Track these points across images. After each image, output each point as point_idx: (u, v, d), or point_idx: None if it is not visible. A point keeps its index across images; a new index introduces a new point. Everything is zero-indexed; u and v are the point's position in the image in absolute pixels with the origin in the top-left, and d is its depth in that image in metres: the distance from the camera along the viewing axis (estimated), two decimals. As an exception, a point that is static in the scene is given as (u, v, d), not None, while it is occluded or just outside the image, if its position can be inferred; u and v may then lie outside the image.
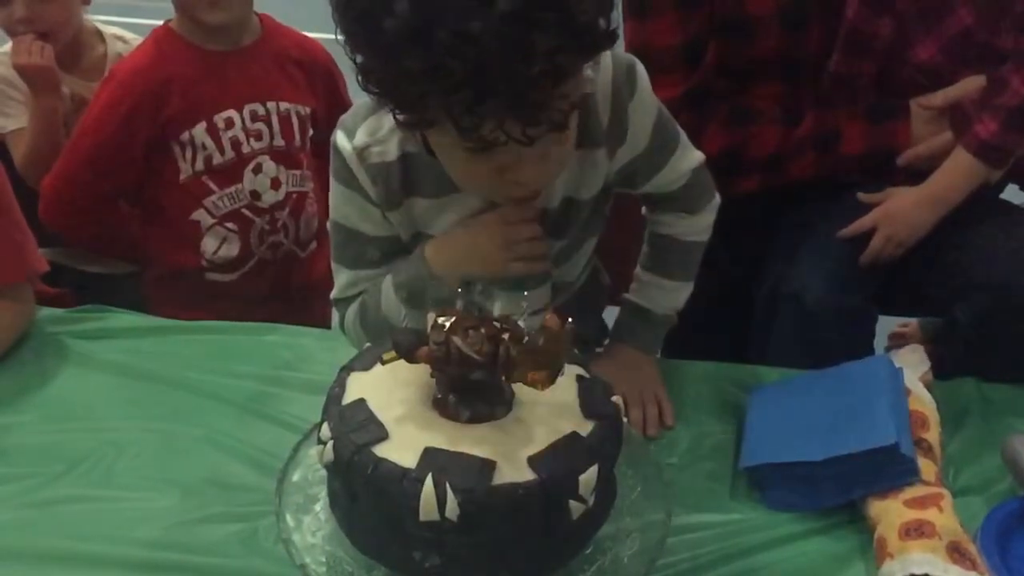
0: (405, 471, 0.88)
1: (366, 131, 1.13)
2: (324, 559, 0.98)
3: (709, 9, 1.44)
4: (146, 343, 1.44)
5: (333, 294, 1.26)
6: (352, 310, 1.24)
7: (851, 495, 1.11)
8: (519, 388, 0.95)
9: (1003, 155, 1.38)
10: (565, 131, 0.99)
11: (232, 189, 1.78)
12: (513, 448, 0.91)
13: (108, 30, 1.96)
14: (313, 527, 1.01)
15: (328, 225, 1.26)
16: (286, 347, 1.44)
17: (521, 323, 0.93)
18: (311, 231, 1.89)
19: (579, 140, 1.10)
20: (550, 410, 0.96)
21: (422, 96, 0.91)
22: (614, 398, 1.00)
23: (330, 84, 1.87)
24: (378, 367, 0.99)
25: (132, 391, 1.35)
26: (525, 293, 1.13)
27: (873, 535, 1.07)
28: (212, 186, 1.77)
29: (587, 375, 1.02)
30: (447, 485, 0.86)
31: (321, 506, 1.03)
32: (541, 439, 0.92)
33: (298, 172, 1.84)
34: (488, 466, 0.88)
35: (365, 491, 0.91)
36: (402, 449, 0.90)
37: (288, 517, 1.01)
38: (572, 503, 0.90)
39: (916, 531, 1.02)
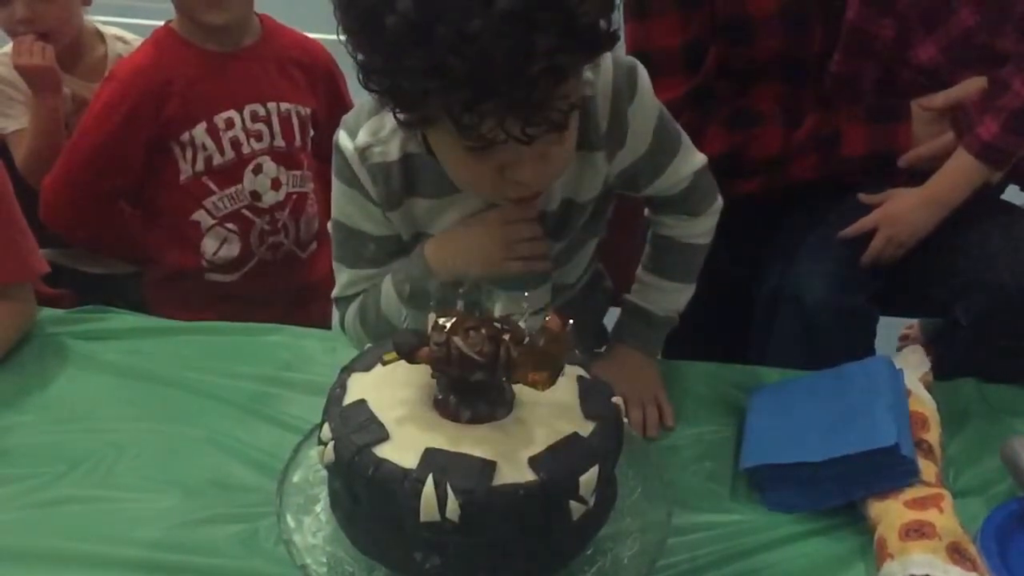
0: (406, 472, 0.88)
1: (368, 131, 1.13)
2: (325, 560, 0.98)
3: (710, 10, 1.44)
4: (147, 344, 1.44)
5: (334, 293, 1.27)
6: (352, 309, 1.24)
7: (851, 496, 1.11)
8: (520, 389, 0.95)
9: (1004, 156, 1.38)
10: (565, 131, 0.99)
11: (232, 190, 1.78)
12: (514, 449, 0.91)
13: (108, 31, 1.96)
14: (314, 528, 1.01)
15: (330, 224, 1.26)
16: (287, 348, 1.44)
17: (522, 324, 0.93)
18: (311, 232, 1.89)
19: (578, 142, 1.10)
20: (551, 411, 0.96)
21: (423, 94, 0.91)
22: (614, 399, 1.00)
23: (331, 84, 1.87)
24: (379, 368, 0.99)
25: (133, 392, 1.35)
26: (526, 294, 1.14)
27: (873, 536, 1.07)
28: (212, 187, 1.77)
29: (587, 376, 1.02)
30: (448, 486, 0.86)
31: (322, 507, 1.03)
32: (541, 440, 0.92)
33: (298, 173, 1.84)
34: (489, 467, 0.88)
35: (366, 492, 0.91)
36: (403, 450, 0.90)
37: (289, 518, 1.01)
38: (572, 504, 0.90)
39: (916, 532, 1.02)
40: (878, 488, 1.10)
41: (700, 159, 1.25)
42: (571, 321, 0.92)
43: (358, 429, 0.92)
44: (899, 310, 1.58)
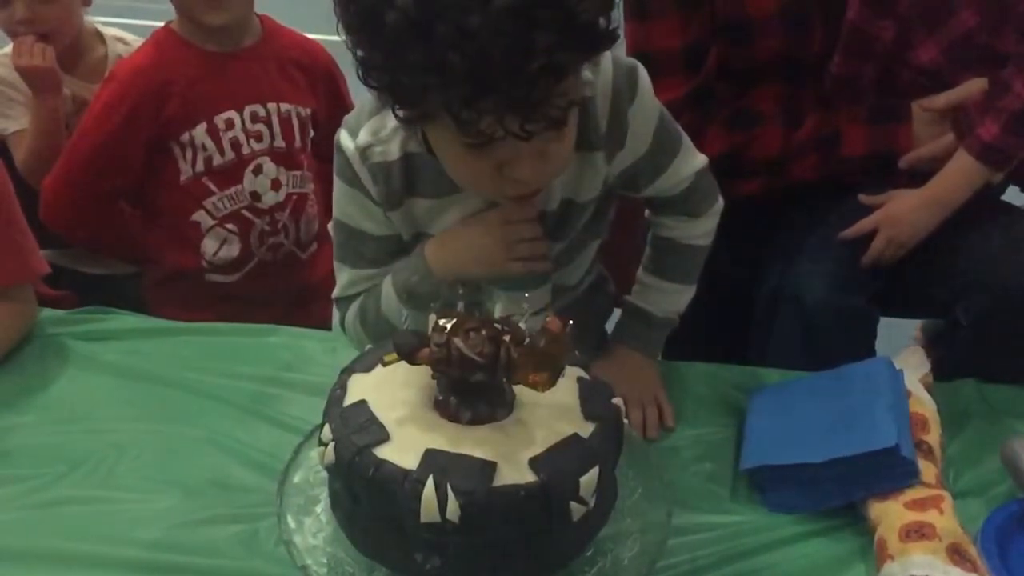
0: (406, 472, 0.88)
1: (369, 130, 1.14)
2: (325, 560, 0.98)
3: (710, 11, 1.44)
4: (147, 344, 1.45)
5: (335, 293, 1.27)
6: (353, 309, 1.24)
7: (851, 497, 1.12)
8: (520, 390, 0.96)
9: (1005, 158, 1.38)
10: (564, 128, 0.99)
11: (232, 190, 1.78)
12: (514, 450, 0.91)
13: (109, 31, 1.96)
14: (314, 528, 1.01)
15: (331, 224, 1.26)
16: (287, 348, 1.44)
17: (522, 324, 0.93)
18: (311, 233, 1.89)
19: (577, 143, 1.10)
20: (551, 412, 0.96)
21: (422, 90, 0.92)
22: (615, 400, 1.00)
23: (331, 85, 1.87)
24: (379, 369, 0.99)
25: (133, 392, 1.35)
26: (526, 295, 1.14)
27: (873, 537, 1.07)
28: (212, 187, 1.77)
29: (588, 377, 1.02)
30: (448, 487, 0.86)
31: (322, 507, 1.03)
32: (542, 441, 0.92)
33: (298, 173, 1.84)
34: (489, 468, 0.88)
35: (366, 493, 0.91)
36: (403, 451, 0.90)
37: (289, 518, 1.01)
38: (573, 505, 0.90)
39: (916, 533, 1.02)
40: (878, 489, 1.10)
41: (701, 160, 1.25)
42: (571, 322, 0.92)
43: (358, 430, 0.92)
44: (899, 311, 1.58)
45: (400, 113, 0.98)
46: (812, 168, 1.48)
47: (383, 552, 0.96)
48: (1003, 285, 1.36)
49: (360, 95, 1.13)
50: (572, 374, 0.99)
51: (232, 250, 1.81)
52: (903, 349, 1.34)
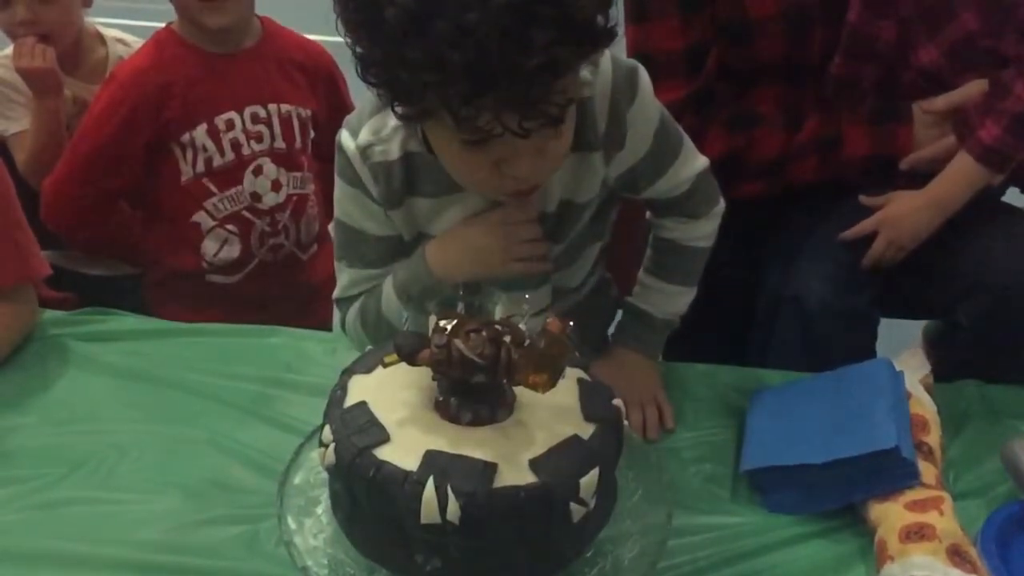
0: (406, 474, 0.88)
1: (370, 130, 1.14)
2: (326, 562, 0.98)
3: (711, 13, 1.44)
4: (148, 345, 1.45)
5: (335, 293, 1.27)
6: (353, 310, 1.24)
7: (851, 498, 1.12)
8: (520, 391, 0.96)
9: (1006, 160, 1.38)
10: (561, 125, 0.99)
11: (232, 191, 1.78)
12: (514, 451, 0.91)
13: (109, 33, 1.97)
14: (315, 530, 1.01)
15: (332, 224, 1.26)
16: (288, 350, 1.44)
17: (522, 326, 0.93)
18: (312, 233, 1.90)
19: (575, 143, 1.10)
20: (551, 413, 0.96)
21: (420, 87, 0.92)
22: (615, 401, 1.00)
23: (331, 86, 1.87)
24: (379, 370, 0.99)
25: (134, 393, 1.35)
26: (527, 296, 1.14)
27: (873, 538, 1.07)
28: (212, 188, 1.77)
29: (588, 378, 1.02)
30: (448, 488, 0.86)
31: (323, 509, 1.03)
32: (542, 442, 0.92)
33: (299, 174, 1.84)
34: (489, 469, 0.88)
35: (366, 494, 0.91)
36: (403, 452, 0.90)
37: (290, 519, 1.01)
38: (573, 506, 0.90)
39: (916, 534, 1.02)
40: (878, 490, 1.10)
41: (702, 162, 1.25)
42: (571, 324, 0.92)
43: (359, 431, 0.92)
44: (900, 312, 1.58)
45: (399, 110, 0.98)
46: (812, 170, 1.48)
47: (383, 553, 0.96)
48: (1003, 286, 1.36)
49: (360, 96, 1.13)
50: (572, 375, 0.99)
51: (232, 251, 1.81)
52: (903, 350, 1.34)
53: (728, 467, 1.21)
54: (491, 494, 0.87)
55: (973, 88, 1.42)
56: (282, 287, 1.87)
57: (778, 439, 1.20)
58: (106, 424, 1.29)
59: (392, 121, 1.12)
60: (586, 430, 0.95)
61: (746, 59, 1.47)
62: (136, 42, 1.92)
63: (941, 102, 1.44)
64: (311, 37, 1.88)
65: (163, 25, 1.78)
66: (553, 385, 0.92)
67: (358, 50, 0.95)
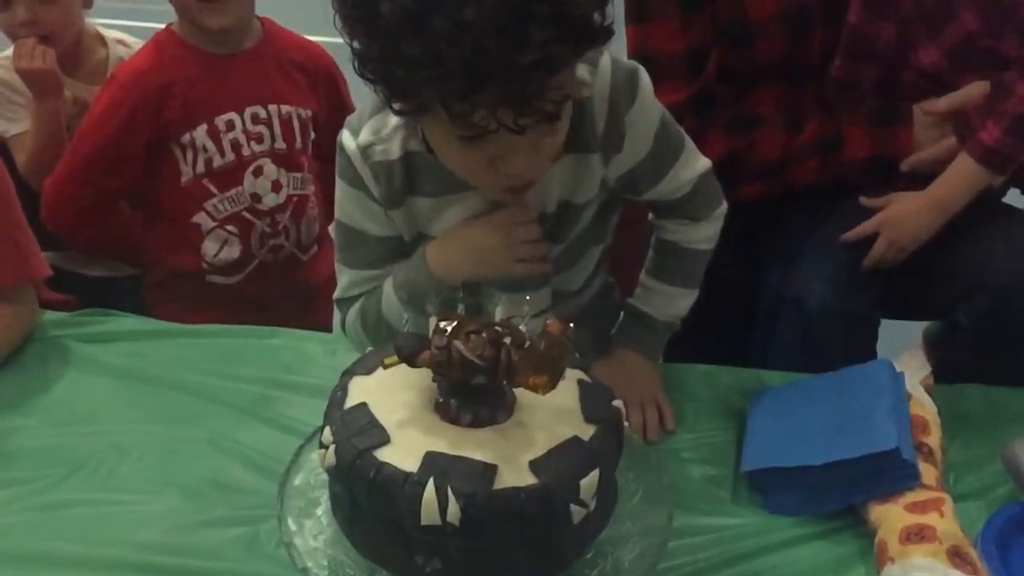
0: (407, 475, 0.88)
1: (370, 129, 1.14)
2: (326, 563, 0.98)
3: (711, 14, 1.44)
4: (148, 346, 1.45)
5: (335, 294, 1.27)
6: (353, 311, 1.25)
7: (852, 499, 1.12)
8: (520, 392, 0.96)
9: (1006, 161, 1.38)
10: (557, 123, 0.99)
11: (232, 192, 1.78)
12: (514, 452, 0.91)
13: (110, 34, 1.96)
14: (315, 531, 1.01)
15: (332, 225, 1.26)
16: (288, 351, 1.44)
17: (523, 327, 0.93)
18: (312, 234, 1.90)
19: (573, 144, 1.10)
20: (551, 414, 0.96)
21: (417, 83, 0.92)
22: (615, 402, 1.00)
23: (331, 87, 1.87)
24: (380, 371, 0.99)
25: (134, 394, 1.36)
26: (527, 297, 1.14)
27: (874, 539, 1.07)
28: (212, 189, 1.77)
29: (588, 379, 1.02)
30: (448, 489, 0.86)
31: (323, 510, 1.03)
32: (542, 443, 0.92)
33: (299, 175, 1.84)
34: (489, 470, 0.89)
35: (367, 495, 0.91)
36: (404, 453, 0.90)
37: (290, 521, 1.01)
38: (573, 507, 0.90)
39: (917, 535, 1.02)
40: (879, 492, 1.10)
41: (703, 164, 1.25)
42: (571, 325, 0.92)
43: (359, 432, 0.92)
44: (900, 313, 1.58)
45: (395, 106, 0.99)
46: (813, 171, 1.48)
47: (384, 554, 0.96)
48: (1004, 287, 1.36)
49: (361, 96, 1.13)
50: (572, 377, 0.99)
51: (233, 252, 1.81)
52: (904, 351, 1.34)
53: (728, 468, 1.21)
54: (491, 495, 0.87)
55: (974, 89, 1.42)
56: (282, 288, 1.87)
57: (778, 440, 1.20)
58: (106, 425, 1.29)
59: (393, 121, 1.12)
60: (586, 431, 0.95)
61: (746, 60, 1.47)
62: (136, 43, 1.92)
63: (942, 103, 1.44)
64: (311, 38, 1.88)
65: (163, 26, 1.78)
66: (553, 387, 0.92)
67: (355, 46, 0.96)
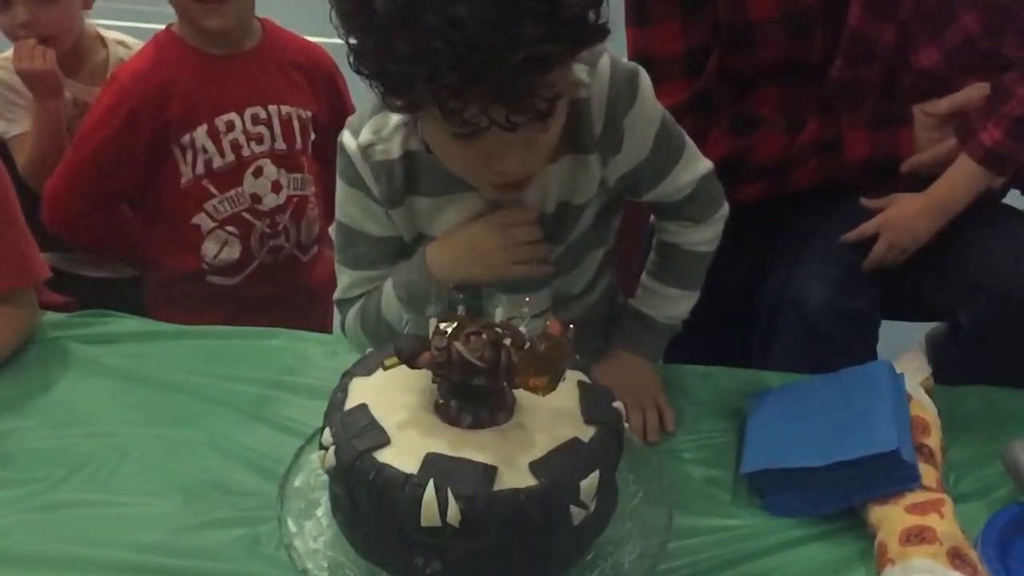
0: (407, 476, 0.88)
1: (371, 129, 1.15)
2: (326, 564, 0.98)
3: (712, 16, 1.44)
4: (148, 348, 1.45)
5: (336, 295, 1.27)
6: (353, 312, 1.25)
7: (852, 501, 1.11)
8: (520, 394, 0.96)
9: (1007, 163, 1.38)
10: (549, 120, 0.99)
11: (232, 193, 1.78)
12: (514, 454, 0.91)
13: (110, 35, 1.96)
14: (315, 532, 1.02)
15: (332, 226, 1.26)
16: (288, 352, 1.44)
17: (523, 328, 0.93)
18: (312, 235, 1.89)
19: (571, 144, 1.11)
20: (551, 416, 0.96)
21: (410, 79, 0.92)
22: (615, 404, 1.00)
23: (331, 88, 1.87)
24: (380, 372, 0.99)
25: (134, 395, 1.35)
26: (527, 299, 1.14)
27: (874, 541, 1.07)
28: (212, 190, 1.77)
29: (588, 381, 1.02)
30: (448, 491, 0.86)
31: (323, 511, 1.03)
32: (542, 445, 0.92)
33: (299, 175, 1.84)
34: (490, 472, 0.89)
35: (367, 497, 0.91)
36: (404, 454, 0.90)
37: (290, 522, 1.01)
38: (573, 508, 0.90)
39: (917, 537, 1.02)
40: (879, 493, 1.09)
41: (705, 165, 1.25)
42: (571, 326, 0.92)
43: (359, 434, 0.93)
44: (901, 314, 1.58)
45: (390, 102, 0.99)
46: (814, 172, 1.48)
47: (384, 556, 0.96)
48: (1005, 288, 1.36)
49: (361, 97, 1.13)
50: (572, 378, 0.99)
51: (233, 252, 1.81)
52: (904, 352, 1.33)
53: (728, 469, 1.21)
54: (491, 497, 0.87)
55: (974, 91, 1.42)
56: (282, 289, 1.87)
57: (778, 441, 1.19)
58: (106, 426, 1.29)
59: (393, 120, 1.13)
60: (586, 433, 0.95)
61: (747, 62, 1.47)
62: (137, 44, 1.92)
63: (942, 105, 1.44)
64: (311, 39, 1.88)
65: (163, 27, 1.77)
66: (553, 388, 0.92)
67: (350, 41, 0.96)
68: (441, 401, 0.96)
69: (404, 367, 0.95)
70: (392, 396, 0.97)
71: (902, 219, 1.43)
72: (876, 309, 1.45)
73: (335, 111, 1.85)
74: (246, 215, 1.80)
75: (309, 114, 1.83)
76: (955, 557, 1.00)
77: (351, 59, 0.97)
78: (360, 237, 1.21)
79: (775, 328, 1.46)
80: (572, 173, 1.17)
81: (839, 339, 1.40)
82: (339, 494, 0.97)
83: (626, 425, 1.02)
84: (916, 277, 1.45)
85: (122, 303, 1.61)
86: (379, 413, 0.95)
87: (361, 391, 0.98)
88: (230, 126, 1.76)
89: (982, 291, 1.38)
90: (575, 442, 0.93)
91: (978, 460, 1.21)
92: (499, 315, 0.98)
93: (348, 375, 1.01)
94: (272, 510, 1.03)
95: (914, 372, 1.26)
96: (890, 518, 1.06)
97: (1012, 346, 1.38)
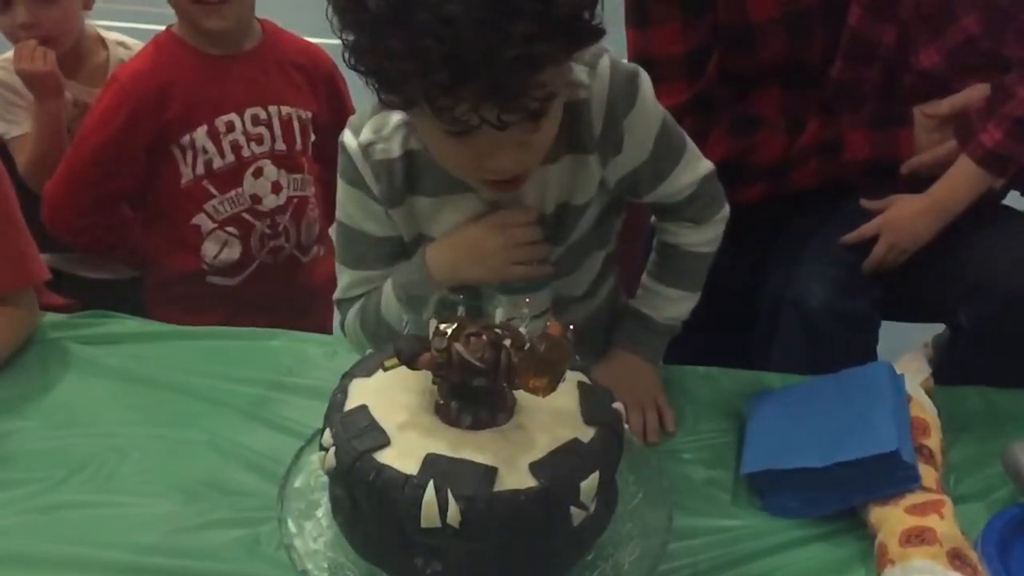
0: (407, 477, 0.88)
1: (371, 128, 1.15)
2: (326, 565, 0.98)
3: (712, 17, 1.44)
4: (148, 348, 1.45)
5: (336, 295, 1.27)
6: (353, 312, 1.25)
7: (852, 501, 1.11)
8: (520, 395, 0.96)
9: (1007, 164, 1.38)
10: (542, 120, 0.99)
11: (232, 193, 1.78)
12: (514, 455, 0.91)
13: (111, 36, 1.96)
14: (315, 533, 1.02)
15: (333, 226, 1.27)
16: (288, 352, 1.44)
17: (523, 329, 0.93)
18: (312, 236, 1.90)
19: (570, 145, 1.11)
20: (551, 417, 0.96)
21: (402, 76, 0.93)
22: (615, 404, 1.00)
23: (331, 88, 1.88)
24: (380, 373, 0.99)
25: (134, 396, 1.35)
26: (527, 300, 1.14)
27: (874, 542, 1.07)
28: (212, 190, 1.77)
29: (588, 382, 1.02)
30: (448, 492, 0.86)
31: (323, 512, 1.03)
32: (542, 446, 0.92)
33: (299, 176, 1.84)
34: (490, 473, 0.89)
35: (367, 497, 0.91)
36: (404, 455, 0.90)
37: (290, 523, 1.01)
38: (573, 509, 0.90)
39: (917, 538, 1.02)
40: (879, 494, 1.09)
41: (706, 167, 1.24)
42: (571, 327, 0.92)
43: (359, 435, 0.93)
44: (902, 315, 1.58)
45: (385, 98, 0.99)
46: (814, 173, 1.48)
47: (384, 557, 0.96)
48: (1005, 288, 1.36)
49: (361, 98, 1.13)
50: (572, 379, 0.99)
51: (233, 253, 1.82)
52: (904, 353, 1.33)
53: (729, 470, 1.21)
54: (491, 498, 0.87)
55: (974, 92, 1.42)
56: (282, 289, 1.87)
57: (779, 442, 1.19)
58: (106, 427, 1.29)
59: (394, 119, 1.13)
60: (586, 433, 0.95)
61: (747, 62, 1.47)
62: (137, 46, 1.92)
63: (943, 106, 1.44)
64: (311, 40, 1.88)
65: (164, 28, 1.78)
66: (553, 389, 0.92)
67: (345, 38, 0.96)
68: (441, 402, 0.96)
69: (404, 368, 0.95)
70: (392, 397, 0.97)
71: (902, 220, 1.43)
72: (876, 310, 1.45)
73: (335, 112, 1.85)
74: (246, 216, 1.80)
75: (309, 115, 1.84)
76: (955, 558, 1.00)
77: (345, 55, 0.97)
78: (360, 237, 1.21)
79: (775, 329, 1.46)
80: (571, 174, 1.17)
81: (839, 340, 1.40)
82: (339, 495, 0.97)
83: (626, 426, 1.02)
84: (916, 278, 1.45)
85: (122, 304, 1.61)
86: (379, 414, 0.95)
87: (361, 392, 0.98)
88: (230, 127, 1.76)
89: (982, 292, 1.38)
90: (575, 443, 0.93)
91: (978, 461, 1.21)
92: (499, 316, 0.98)
93: (348, 376, 1.01)
94: (272, 511, 1.02)
95: (914, 373, 1.26)
96: (890, 519, 1.06)
97: (1012, 347, 1.38)
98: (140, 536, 1.11)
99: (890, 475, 1.09)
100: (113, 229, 1.83)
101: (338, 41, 0.97)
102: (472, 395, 0.94)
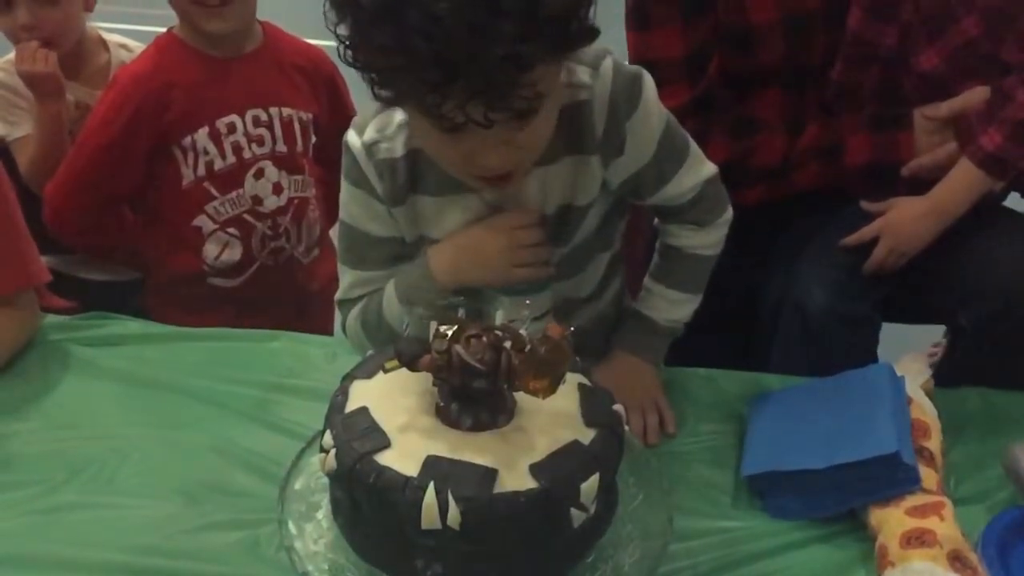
0: (407, 479, 0.88)
1: (375, 127, 1.15)
2: (327, 567, 0.98)
3: (712, 19, 1.44)
4: (149, 350, 1.45)
5: (337, 295, 1.27)
6: (355, 313, 1.25)
7: (852, 503, 1.11)
8: (521, 396, 0.96)
9: (1007, 167, 1.38)
10: (530, 119, 0.99)
11: (233, 194, 1.78)
12: (515, 456, 0.91)
13: (112, 38, 1.96)
14: (315, 535, 1.02)
15: (336, 226, 1.27)
16: (289, 354, 1.44)
17: (523, 331, 0.93)
18: (313, 237, 1.90)
19: (572, 146, 1.11)
20: (551, 418, 0.96)
21: (392, 72, 0.94)
22: (615, 406, 1.00)
23: (332, 90, 1.88)
24: (380, 375, 0.99)
25: (135, 398, 1.35)
26: (527, 301, 1.14)
27: (874, 543, 1.07)
28: (213, 191, 1.77)
29: (588, 383, 1.02)
30: (449, 493, 0.86)
31: (323, 514, 1.03)
32: (543, 447, 0.92)
33: (300, 177, 1.84)
34: (490, 474, 0.89)
35: (367, 499, 0.91)
36: (404, 457, 0.90)
37: (291, 524, 1.01)
38: (573, 511, 0.90)
39: (917, 539, 1.02)
40: (879, 495, 1.09)
41: (709, 169, 1.24)
42: (571, 328, 0.92)
43: (360, 436, 0.93)
44: (902, 317, 1.59)
45: (377, 93, 0.99)
46: (814, 176, 1.48)
47: (384, 558, 0.96)
48: (1005, 291, 1.36)
49: (361, 99, 1.13)
50: (573, 381, 0.99)
51: (234, 254, 1.82)
52: (904, 355, 1.34)
53: (729, 472, 1.21)
54: (492, 500, 0.87)
55: (974, 95, 1.42)
56: (283, 291, 1.87)
57: (779, 444, 1.20)
58: (107, 429, 1.29)
59: (397, 119, 1.13)
60: (587, 435, 0.95)
61: (747, 65, 1.47)
62: (138, 47, 1.92)
63: (943, 109, 1.44)
64: (312, 42, 1.88)
65: (165, 30, 1.78)
66: (553, 391, 0.92)
67: (340, 33, 0.97)
68: (441, 404, 0.96)
69: (404, 370, 0.95)
70: (392, 399, 0.97)
71: (902, 223, 1.43)
72: (876, 312, 1.45)
73: (336, 113, 1.85)
74: (247, 217, 1.80)
75: (310, 116, 1.84)
76: (955, 560, 1.00)
77: (339, 51, 0.98)
78: (363, 238, 1.22)
79: (775, 330, 1.46)
80: (573, 175, 1.17)
81: (840, 342, 1.40)
82: (340, 497, 0.97)
83: (626, 427, 1.02)
84: (916, 280, 1.45)
85: (123, 305, 1.61)
86: (379, 416, 0.95)
87: (362, 394, 0.98)
88: (231, 128, 1.76)
89: (982, 294, 1.38)
90: (575, 445, 0.93)
91: (978, 463, 1.21)
92: (499, 318, 0.99)
93: (349, 378, 1.02)
94: (273, 512, 1.03)
95: (914, 375, 1.26)
96: (890, 521, 1.06)
97: (1013, 348, 1.38)
98: (141, 538, 1.11)
99: (890, 477, 1.09)
100: (114, 231, 1.83)
101: (323, 13, 0.98)
102: (472, 397, 0.94)
